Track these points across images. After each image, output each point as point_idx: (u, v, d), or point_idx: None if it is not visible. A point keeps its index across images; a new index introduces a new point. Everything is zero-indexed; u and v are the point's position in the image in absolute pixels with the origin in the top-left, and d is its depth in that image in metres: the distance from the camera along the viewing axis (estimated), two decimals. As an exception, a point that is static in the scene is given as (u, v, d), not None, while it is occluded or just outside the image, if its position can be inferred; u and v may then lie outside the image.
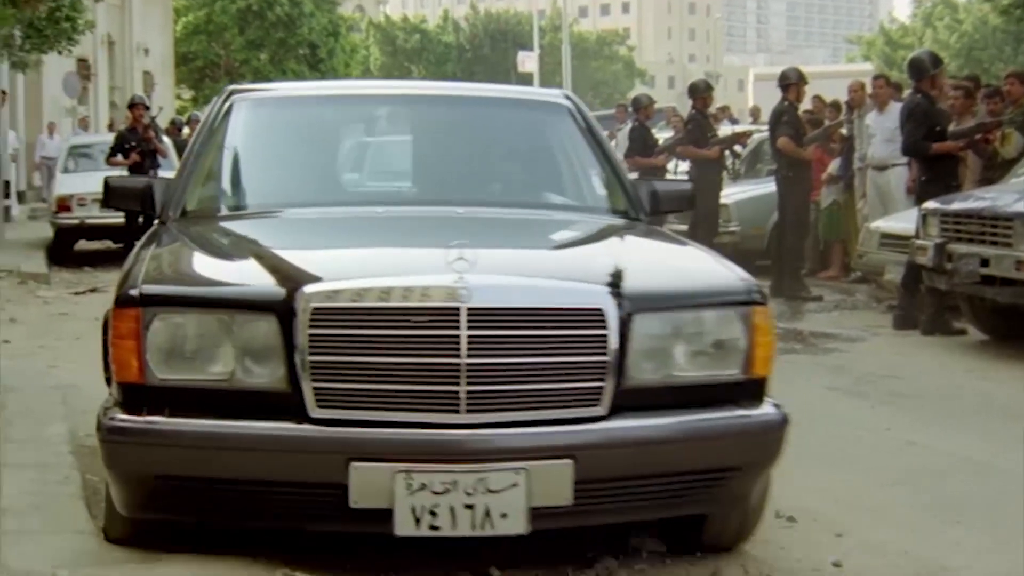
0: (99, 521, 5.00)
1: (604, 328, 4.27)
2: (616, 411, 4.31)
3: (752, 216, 15.72)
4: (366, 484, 4.15)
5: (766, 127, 15.28)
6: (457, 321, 4.15)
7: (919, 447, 7.09)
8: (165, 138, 18.52)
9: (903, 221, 11.93)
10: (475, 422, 4.19)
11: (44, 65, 27.02)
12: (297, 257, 4.65)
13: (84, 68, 32.13)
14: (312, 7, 51.65)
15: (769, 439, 4.55)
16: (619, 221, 5.65)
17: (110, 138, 18.28)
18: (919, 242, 10.60)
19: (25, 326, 10.88)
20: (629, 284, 4.43)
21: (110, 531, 4.81)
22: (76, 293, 13.76)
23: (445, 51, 78.34)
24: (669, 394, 4.44)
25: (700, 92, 15.69)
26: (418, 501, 4.14)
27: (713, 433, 4.45)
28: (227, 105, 5.96)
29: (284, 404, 4.22)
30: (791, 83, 14.11)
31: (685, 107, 17.86)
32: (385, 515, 4.17)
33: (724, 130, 17.21)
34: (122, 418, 4.32)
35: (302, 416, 4.20)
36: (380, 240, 5.23)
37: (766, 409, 4.55)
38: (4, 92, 20.58)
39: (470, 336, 4.16)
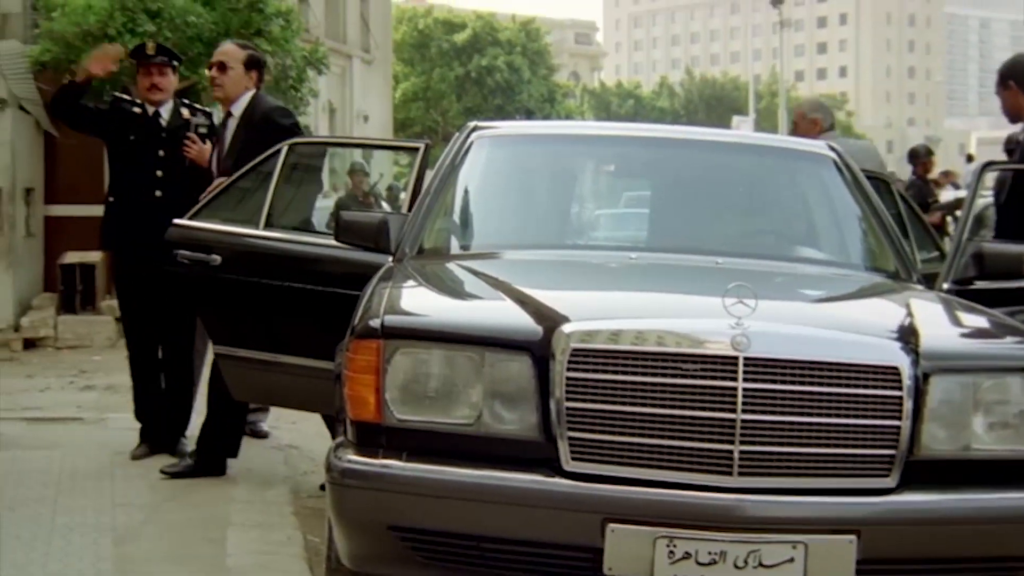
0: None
1: (899, 389, 3.81)
2: (904, 484, 3.84)
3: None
4: (623, 549, 3.73)
5: (990, 193, 14.90)
6: (734, 372, 3.74)
7: None
8: (384, 204, 18.79)
9: None
10: (749, 486, 3.75)
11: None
12: (552, 297, 4.20)
13: (305, 134, 32.87)
14: (530, 75, 52.28)
15: None
16: (892, 281, 5.17)
17: (330, 204, 18.64)
18: None
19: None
20: (925, 342, 3.95)
21: None
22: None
23: (659, 116, 78.46)
24: (964, 469, 3.93)
25: (920, 157, 15.36)
26: (681, 572, 3.71)
27: (1018, 516, 3.91)
28: (468, 142, 5.69)
29: (535, 455, 3.84)
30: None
31: (905, 172, 17.55)
32: None
33: (946, 196, 16.84)
34: (355, 460, 3.95)
35: (554, 469, 3.81)
36: (643, 285, 4.84)
37: None
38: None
39: (747, 389, 3.74)
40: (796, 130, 9.46)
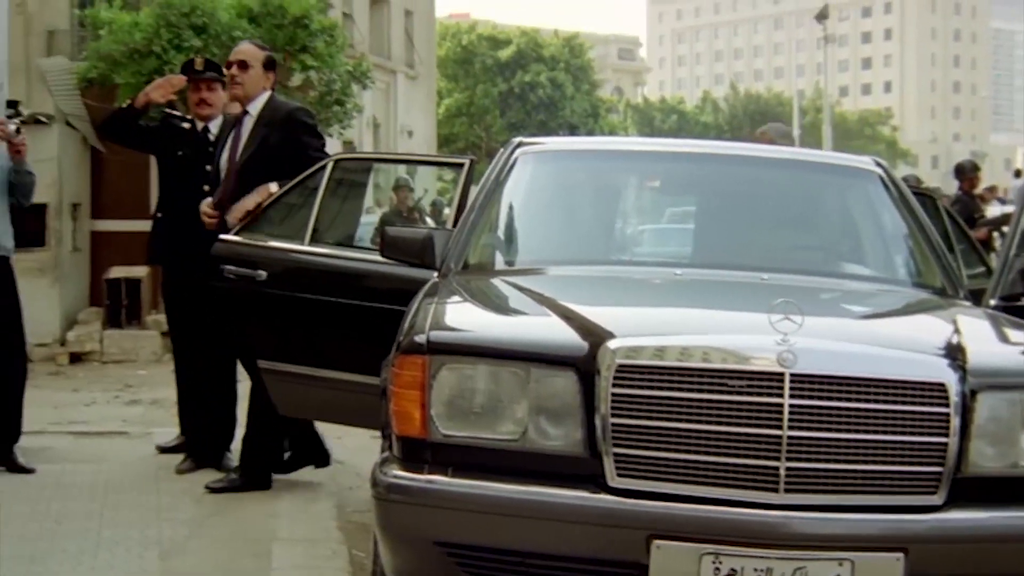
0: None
1: (946, 406, 3.78)
2: (951, 502, 3.81)
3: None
4: (668, 566, 3.72)
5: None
6: (780, 388, 3.72)
7: None
8: (429, 220, 18.81)
9: None
10: (795, 503, 3.73)
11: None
12: (597, 313, 4.20)
13: (349, 150, 32.98)
14: (573, 90, 52.33)
15: None
16: (938, 298, 5.14)
17: (374, 219, 18.68)
18: None
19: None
20: (972, 359, 3.93)
21: None
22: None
23: (703, 132, 78.28)
24: (1012, 486, 3.89)
25: (966, 172, 15.28)
26: None
27: None
28: (513, 158, 5.69)
29: (580, 471, 3.83)
30: (1064, 162, 13.64)
31: (951, 188, 17.47)
32: None
33: (993, 211, 16.74)
34: (401, 475, 3.96)
35: (600, 486, 3.80)
36: (687, 300, 4.82)
37: None
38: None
39: (793, 406, 3.72)
40: None
